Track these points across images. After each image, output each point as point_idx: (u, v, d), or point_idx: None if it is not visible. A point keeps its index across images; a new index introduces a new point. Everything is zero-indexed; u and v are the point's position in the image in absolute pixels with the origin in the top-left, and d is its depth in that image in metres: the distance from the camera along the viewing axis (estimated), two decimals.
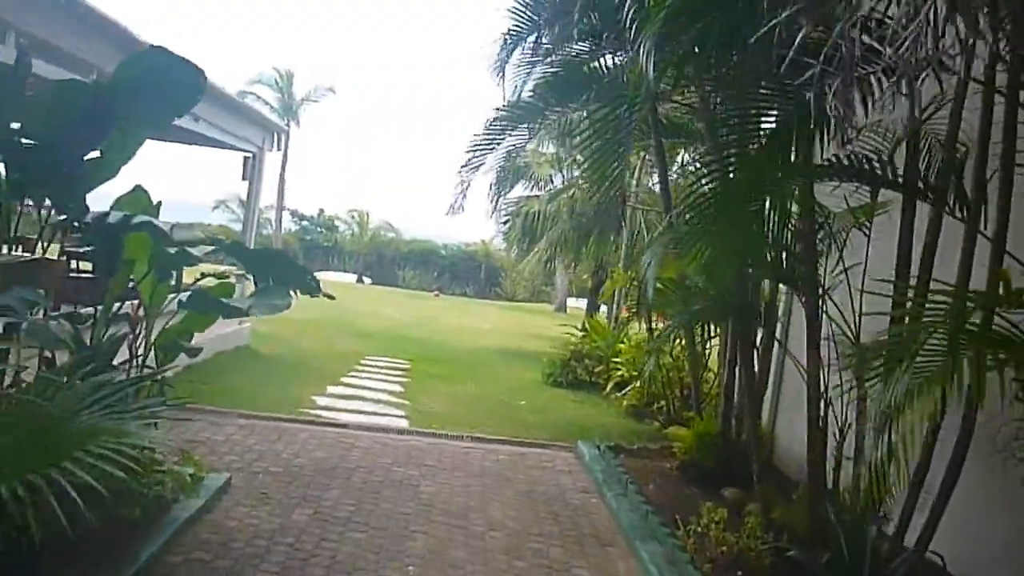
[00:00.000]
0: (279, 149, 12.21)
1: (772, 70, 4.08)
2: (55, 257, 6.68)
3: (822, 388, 5.16)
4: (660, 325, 9.46)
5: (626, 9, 4.71)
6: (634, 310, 6.34)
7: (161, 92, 3.53)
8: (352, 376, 11.00)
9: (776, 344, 7.02)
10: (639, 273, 5.34)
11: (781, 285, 5.66)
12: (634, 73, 6.17)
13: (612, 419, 10.04)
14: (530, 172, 15.04)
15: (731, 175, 4.09)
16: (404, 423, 8.60)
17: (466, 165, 8.41)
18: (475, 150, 8.09)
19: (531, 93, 7.66)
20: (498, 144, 8.01)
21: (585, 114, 7.09)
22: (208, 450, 6.57)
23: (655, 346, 5.58)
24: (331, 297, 4.98)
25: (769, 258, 5.23)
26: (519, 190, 16.30)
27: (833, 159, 4.19)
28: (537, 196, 15.38)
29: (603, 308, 17.13)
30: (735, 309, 5.46)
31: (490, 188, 15.61)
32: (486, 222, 16.21)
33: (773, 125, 4.23)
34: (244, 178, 11.68)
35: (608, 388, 11.31)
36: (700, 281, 5.61)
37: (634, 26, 4.75)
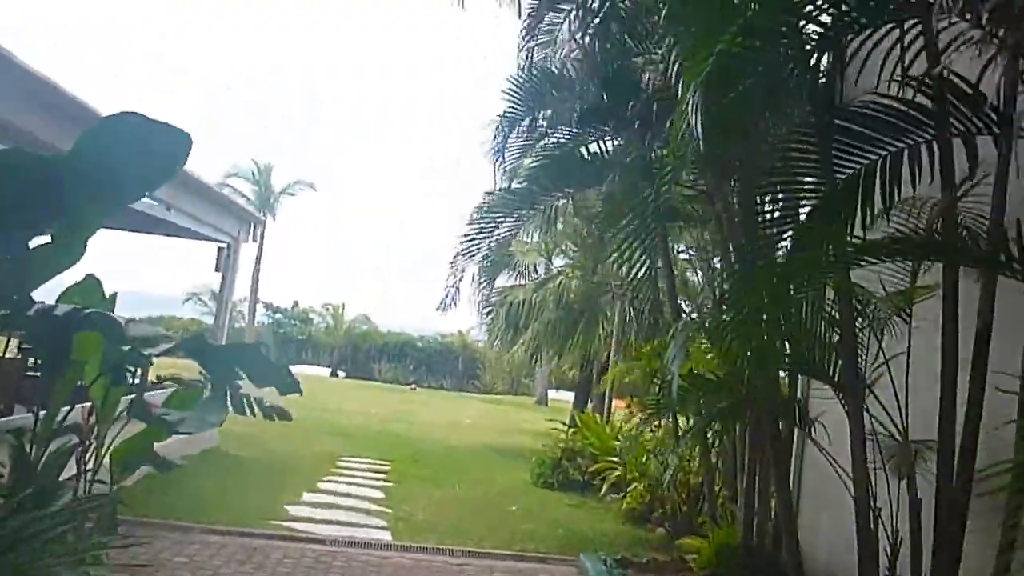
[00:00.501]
0: (255, 240, 11.73)
1: (810, 140, 3.70)
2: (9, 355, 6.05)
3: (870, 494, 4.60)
4: (662, 422, 8.89)
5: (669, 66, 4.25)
6: (649, 407, 5.79)
7: (135, 161, 3.00)
8: (329, 480, 10.18)
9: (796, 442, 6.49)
10: (661, 366, 4.85)
11: (811, 379, 5.15)
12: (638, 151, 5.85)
13: (612, 525, 9.29)
14: (514, 261, 14.67)
15: (778, 258, 3.64)
16: (387, 536, 7.79)
17: (459, 256, 7.95)
18: (471, 239, 7.64)
19: (524, 178, 7.31)
20: (491, 232, 7.58)
21: (600, 197, 6.67)
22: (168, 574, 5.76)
23: (668, 450, 5.00)
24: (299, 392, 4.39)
25: (800, 350, 4.74)
26: (502, 279, 15.89)
27: (882, 236, 3.76)
28: (522, 286, 14.96)
29: (589, 403, 16.49)
30: (767, 406, 4.93)
31: (473, 279, 15.26)
32: (464, 312, 15.75)
33: (813, 202, 3.81)
34: (217, 269, 11.13)
35: (604, 489, 10.58)
36: (719, 375, 5.08)
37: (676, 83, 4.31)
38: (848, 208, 3.64)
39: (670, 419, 8.42)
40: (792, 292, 3.55)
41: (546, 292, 13.60)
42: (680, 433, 5.15)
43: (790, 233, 3.79)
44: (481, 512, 9.27)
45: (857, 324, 4.57)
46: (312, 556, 6.69)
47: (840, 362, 4.57)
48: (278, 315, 41.12)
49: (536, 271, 15.45)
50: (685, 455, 8.48)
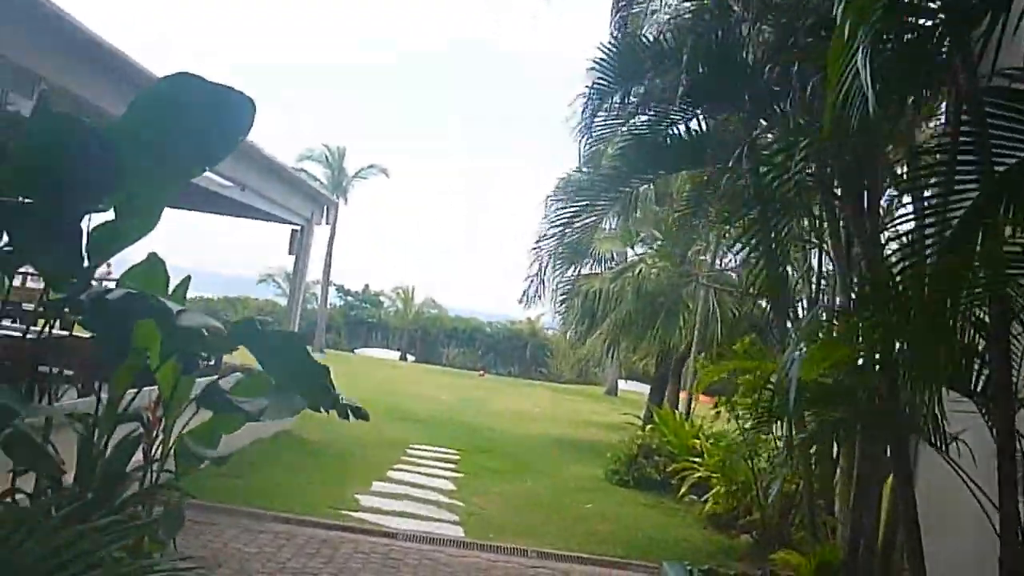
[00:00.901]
0: (328, 223, 11.55)
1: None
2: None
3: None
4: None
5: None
6: (755, 412, 5.28)
7: (196, 127, 2.69)
8: (399, 469, 9.95)
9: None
10: (778, 371, 4.38)
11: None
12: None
13: (692, 530, 8.78)
14: (592, 249, 14.16)
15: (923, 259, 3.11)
16: (459, 532, 7.48)
17: (542, 240, 7.50)
18: (554, 223, 7.20)
19: (613, 157, 6.83)
20: (573, 217, 7.12)
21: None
22: (237, 568, 5.55)
23: (775, 458, 4.48)
24: (364, 418, 4.02)
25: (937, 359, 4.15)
26: (578, 268, 15.41)
27: None
28: (597, 274, 14.44)
29: (665, 397, 15.90)
30: (893, 418, 4.37)
31: (548, 266, 14.83)
32: (533, 300, 15.32)
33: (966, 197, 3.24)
34: (291, 252, 11.00)
35: (683, 490, 10.06)
36: (839, 381, 4.53)
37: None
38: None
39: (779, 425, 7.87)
40: (947, 301, 3.02)
41: (624, 281, 13.05)
42: (792, 442, 4.62)
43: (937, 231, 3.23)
44: (555, 509, 8.88)
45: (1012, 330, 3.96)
46: (383, 551, 6.42)
47: (988, 372, 3.97)
48: (349, 298, 41.49)
49: (614, 259, 14.89)
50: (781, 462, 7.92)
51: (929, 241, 3.26)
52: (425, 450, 11.79)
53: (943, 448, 4.23)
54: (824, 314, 4.25)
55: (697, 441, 10.81)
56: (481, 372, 32.80)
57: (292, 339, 4.12)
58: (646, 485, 10.81)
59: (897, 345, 4.20)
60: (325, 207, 11.45)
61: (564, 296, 15.11)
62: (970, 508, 4.18)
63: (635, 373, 35.54)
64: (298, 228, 11.01)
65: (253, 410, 3.72)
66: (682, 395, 17.03)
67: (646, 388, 36.47)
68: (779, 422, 5.07)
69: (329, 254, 32.84)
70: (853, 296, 4.19)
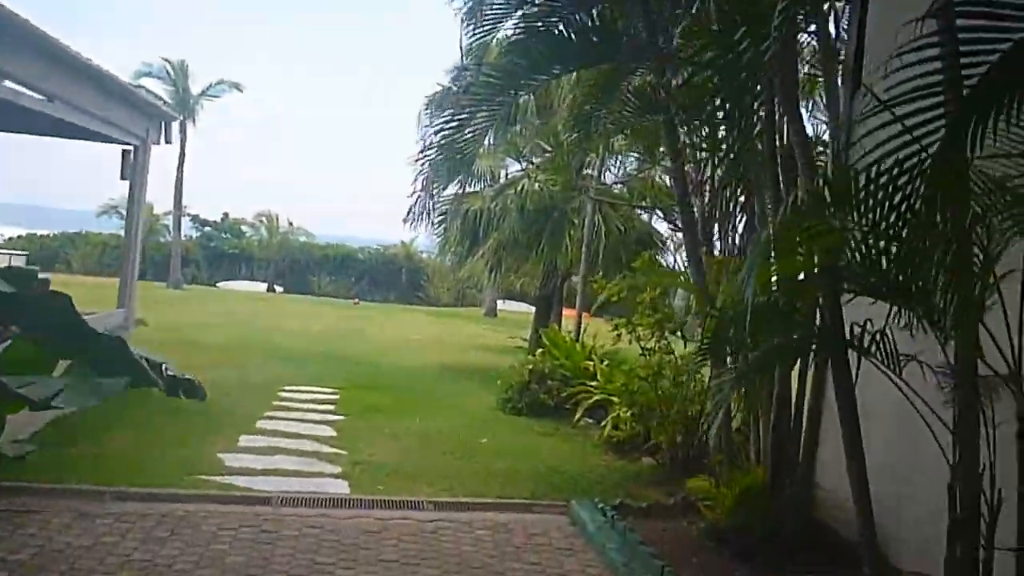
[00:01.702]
0: (168, 142, 10.00)
1: None
2: None
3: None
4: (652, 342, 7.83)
5: None
6: (704, 339, 4.63)
7: None
8: (270, 418, 8.91)
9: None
10: (727, 291, 3.77)
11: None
12: None
13: (593, 458, 8.33)
14: (472, 167, 13.17)
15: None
16: (343, 486, 6.63)
17: (426, 151, 6.50)
18: (438, 133, 6.20)
19: (506, 51, 5.86)
20: (457, 128, 6.14)
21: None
22: (65, 569, 4.49)
23: (723, 391, 3.88)
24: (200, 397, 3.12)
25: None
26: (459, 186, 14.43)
27: None
28: (477, 192, 13.54)
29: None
30: (836, 339, 3.82)
31: (422, 185, 13.82)
32: (419, 218, 14.33)
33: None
34: (123, 176, 9.43)
35: (578, 415, 9.61)
36: (774, 302, 3.92)
37: None
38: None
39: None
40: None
41: (506, 199, 12.22)
42: (740, 373, 4.02)
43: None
44: (448, 448, 8.17)
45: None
46: (254, 523, 5.49)
47: (946, 283, 3.45)
48: (207, 228, 38.71)
49: (493, 177, 13.98)
50: (677, 379, 7.47)
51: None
52: (299, 391, 10.76)
53: (897, 371, 3.73)
54: (774, 226, 3.57)
55: (590, 363, 10.37)
56: (355, 300, 31.53)
57: (57, 302, 3.07)
58: (540, 412, 10.31)
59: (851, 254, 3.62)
60: (163, 124, 9.86)
61: (442, 217, 14.17)
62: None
63: (514, 293, 35.29)
64: (131, 148, 9.42)
65: (39, 396, 2.69)
66: (567, 314, 16.67)
67: (526, 308, 36.65)
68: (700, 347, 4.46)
69: (179, 180, 30.12)
70: (801, 200, 3.52)
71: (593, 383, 9.49)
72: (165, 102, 29.20)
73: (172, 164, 30.15)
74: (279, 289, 36.40)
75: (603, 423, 8.85)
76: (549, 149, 10.47)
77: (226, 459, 7.03)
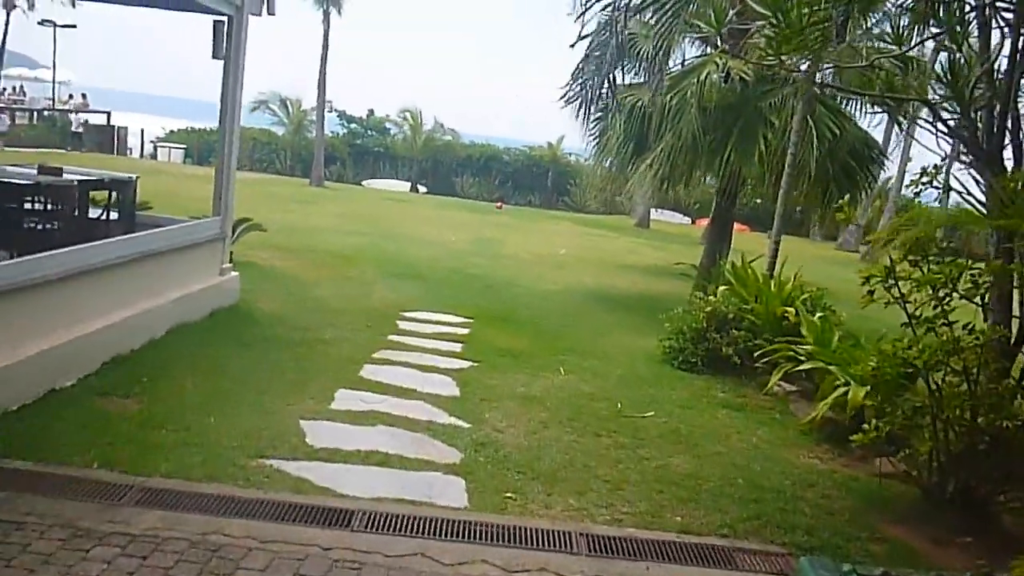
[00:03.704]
0: (271, 12, 8.06)
1: None
2: None
3: None
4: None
5: None
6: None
7: None
8: (379, 362, 7.13)
9: None
10: None
11: None
12: None
13: (805, 453, 6.04)
14: (637, 48, 10.56)
15: None
16: (458, 490, 4.69)
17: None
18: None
19: None
20: None
21: None
22: None
23: None
24: None
25: None
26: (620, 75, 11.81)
27: None
28: (644, 83, 10.92)
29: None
30: None
31: (577, 72, 11.33)
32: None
33: None
34: (216, 55, 7.62)
35: (772, 381, 7.26)
36: None
37: None
38: None
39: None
40: None
41: (685, 91, 9.56)
42: None
43: None
44: (602, 425, 6.08)
45: None
46: (319, 563, 3.66)
47: None
48: (352, 125, 37.73)
49: (657, 66, 11.20)
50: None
51: None
52: (423, 321, 8.98)
53: None
54: None
55: (790, 311, 7.87)
56: (498, 204, 29.70)
57: None
58: (719, 368, 8.05)
59: None
60: None
61: (599, 115, 11.68)
62: None
63: (666, 202, 32.39)
64: (223, 20, 7.57)
65: None
66: (742, 232, 13.89)
67: (680, 218, 33.68)
68: None
69: (323, 74, 28.81)
70: None
71: (800, 344, 7.03)
72: None
73: (315, 56, 28.83)
74: (422, 189, 35.17)
75: (816, 401, 6.48)
76: (750, 24, 7.61)
77: (308, 430, 5.25)
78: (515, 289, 11.94)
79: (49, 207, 6.28)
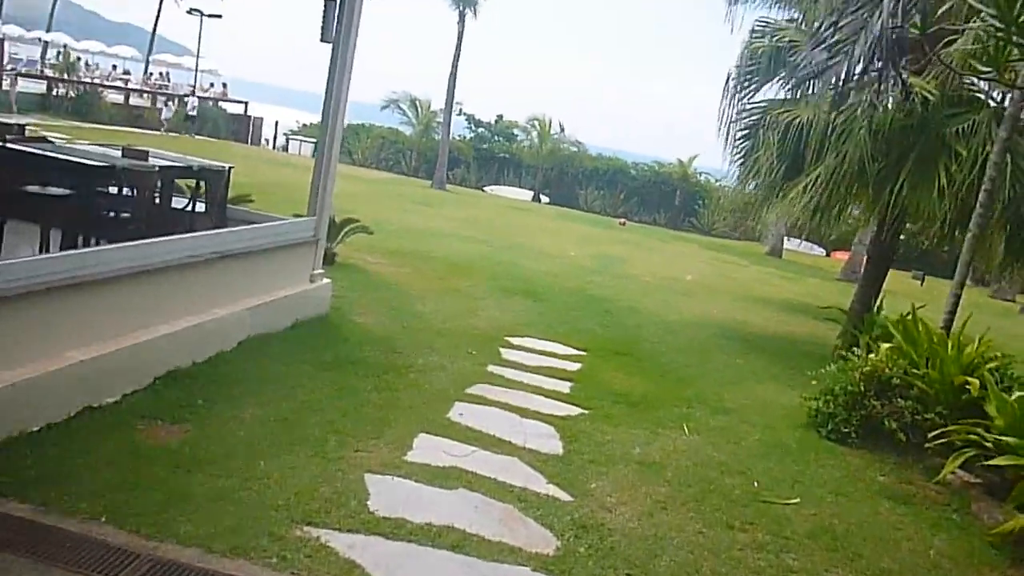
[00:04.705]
0: None
1: None
2: None
3: None
4: None
5: None
6: None
7: None
8: (473, 399, 6.16)
9: None
10: None
11: None
12: None
13: (997, 575, 4.61)
14: (796, 60, 9.19)
15: None
16: None
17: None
18: None
19: None
20: None
21: None
22: None
23: None
24: None
25: None
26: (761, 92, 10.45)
27: None
28: (802, 99, 9.51)
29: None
30: None
31: (727, 84, 10.07)
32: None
33: None
34: (324, 38, 6.91)
35: (947, 468, 5.81)
36: None
37: None
38: None
39: None
40: None
41: (852, 110, 8.10)
42: None
43: None
44: (736, 514, 4.86)
45: None
46: None
47: None
48: (480, 129, 37.41)
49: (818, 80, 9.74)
50: None
51: None
52: (530, 350, 7.96)
53: None
54: None
55: (972, 382, 6.36)
56: (622, 220, 28.48)
57: None
58: (877, 441, 6.61)
59: None
60: None
61: (746, 132, 10.33)
62: None
63: (801, 231, 30.09)
64: (334, 0, 6.84)
65: None
66: (900, 279, 12.05)
67: (815, 249, 31.25)
68: None
69: (453, 76, 28.51)
70: None
71: (986, 426, 5.56)
72: None
73: (446, 57, 28.57)
74: (544, 199, 34.37)
75: (1009, 504, 5.03)
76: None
77: (374, 489, 4.31)
78: (636, 317, 10.76)
79: (124, 193, 5.68)
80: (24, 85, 24.98)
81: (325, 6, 6.83)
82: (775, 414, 7.17)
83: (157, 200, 6.21)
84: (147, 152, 6.54)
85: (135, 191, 5.58)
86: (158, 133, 26.16)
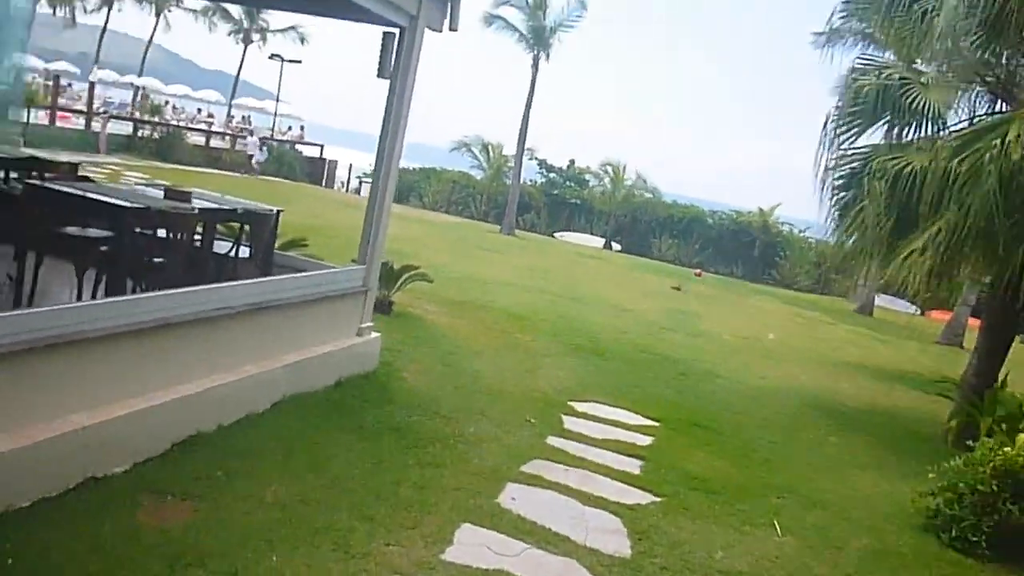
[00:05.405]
0: (453, 28, 6.74)
1: None
2: None
3: None
4: None
5: None
6: None
7: None
8: (527, 480, 5.35)
9: None
10: None
11: None
12: None
13: None
14: (907, 100, 8.25)
15: None
16: None
17: None
18: None
19: None
20: None
21: None
22: None
23: None
24: None
25: None
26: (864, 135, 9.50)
27: None
28: (914, 143, 8.54)
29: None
30: None
31: (825, 127, 9.18)
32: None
33: None
34: (382, 73, 6.38)
35: None
36: None
37: None
38: None
39: None
40: None
41: (978, 155, 7.11)
42: None
43: None
44: None
45: None
46: None
47: None
48: (552, 174, 36.98)
49: (940, 121, 8.75)
50: None
51: None
52: (595, 419, 7.13)
53: None
54: None
55: None
56: (697, 272, 27.31)
57: None
58: (1013, 552, 5.51)
59: None
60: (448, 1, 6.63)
61: (842, 180, 9.38)
62: None
63: (892, 288, 28.32)
64: (394, 32, 6.32)
65: None
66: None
67: (906, 306, 29.33)
68: None
69: (525, 119, 28.18)
70: None
71: None
72: (522, 35, 27.20)
73: (519, 99, 28.27)
74: (616, 247, 33.53)
75: None
76: None
77: None
78: (715, 382, 9.79)
79: (159, 236, 5.19)
80: (112, 127, 25.75)
81: (384, 39, 6.31)
82: (882, 511, 6.12)
83: (198, 244, 5.72)
84: (190, 193, 6.09)
85: (172, 234, 5.11)
86: (238, 175, 26.51)
